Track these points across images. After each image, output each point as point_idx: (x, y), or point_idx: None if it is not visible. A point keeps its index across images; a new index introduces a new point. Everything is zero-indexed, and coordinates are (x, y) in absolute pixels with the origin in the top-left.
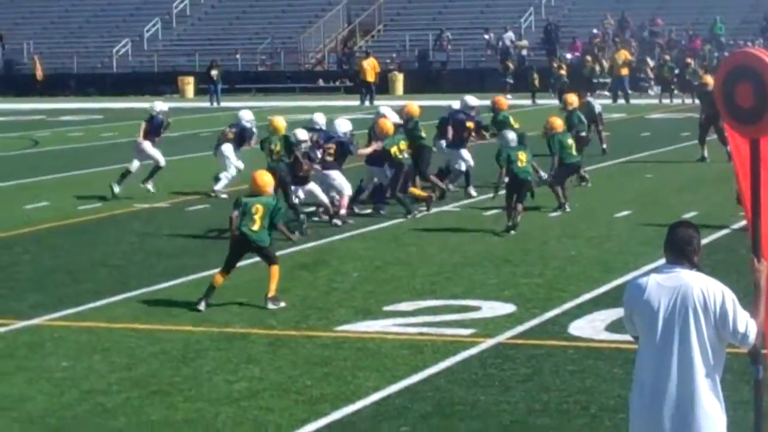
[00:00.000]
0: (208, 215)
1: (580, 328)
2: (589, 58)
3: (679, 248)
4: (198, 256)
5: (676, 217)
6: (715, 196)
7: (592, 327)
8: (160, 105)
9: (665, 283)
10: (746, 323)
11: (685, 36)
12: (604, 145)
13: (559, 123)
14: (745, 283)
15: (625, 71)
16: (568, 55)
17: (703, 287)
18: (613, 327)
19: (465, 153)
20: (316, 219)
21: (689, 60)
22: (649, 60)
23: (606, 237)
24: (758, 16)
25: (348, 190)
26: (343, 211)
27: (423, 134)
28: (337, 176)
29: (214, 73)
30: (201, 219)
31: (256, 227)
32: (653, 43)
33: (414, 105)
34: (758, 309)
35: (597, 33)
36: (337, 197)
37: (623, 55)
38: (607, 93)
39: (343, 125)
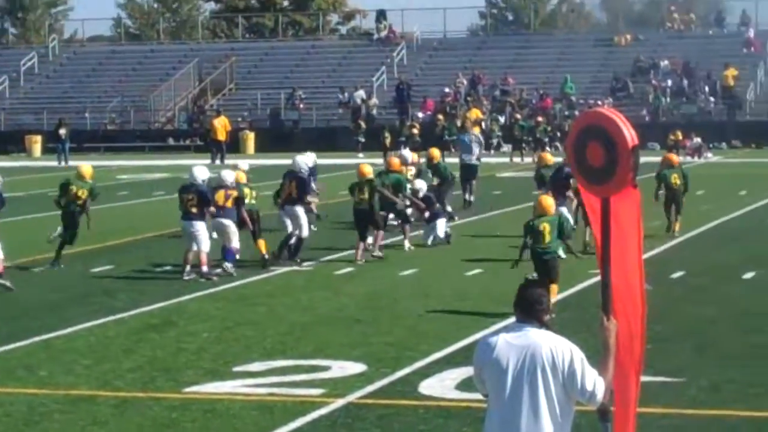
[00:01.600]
0: (52, 276)
1: (430, 387)
2: (440, 116)
3: (529, 307)
4: (41, 318)
5: (527, 275)
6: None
7: (442, 386)
8: None
9: (514, 341)
10: (594, 382)
11: (535, 95)
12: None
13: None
14: (594, 341)
15: (476, 130)
16: (420, 114)
17: (552, 346)
18: (464, 386)
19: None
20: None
21: (540, 119)
22: (500, 118)
23: (457, 295)
24: (607, 75)
25: (206, 245)
26: (204, 268)
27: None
28: (200, 228)
29: (62, 131)
30: (45, 280)
31: None
32: (504, 101)
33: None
34: (606, 367)
35: (449, 92)
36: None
37: (474, 113)
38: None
39: (201, 173)
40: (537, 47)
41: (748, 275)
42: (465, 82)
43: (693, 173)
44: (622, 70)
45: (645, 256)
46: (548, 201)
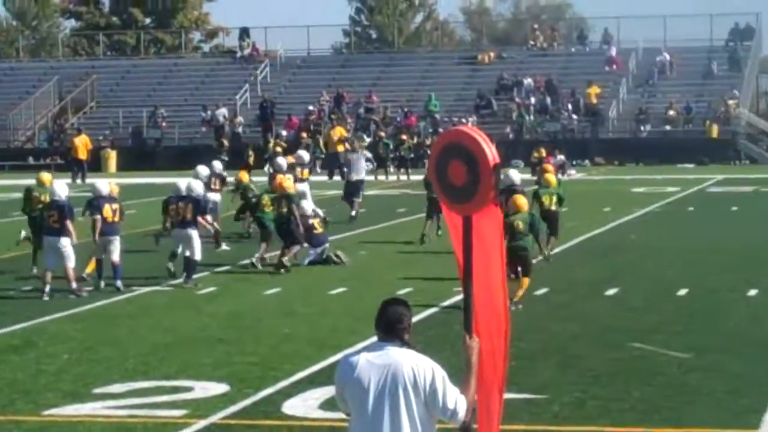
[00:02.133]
0: None
1: (293, 406)
2: (305, 134)
3: (390, 326)
4: None
5: (391, 293)
6: (431, 271)
7: (305, 405)
8: None
9: (376, 360)
10: (456, 400)
11: (400, 113)
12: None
13: None
14: (458, 359)
15: (340, 148)
16: (284, 132)
17: (414, 365)
18: (327, 405)
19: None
20: None
21: (404, 136)
22: (365, 137)
23: (321, 314)
24: (471, 93)
25: (72, 261)
26: (74, 284)
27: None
28: (66, 243)
29: None
30: None
31: None
32: (369, 119)
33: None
34: (469, 385)
35: (313, 110)
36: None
37: (338, 131)
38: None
39: (62, 189)
40: (401, 65)
41: (611, 291)
42: (329, 99)
43: None
44: (486, 87)
45: None
46: (522, 200)
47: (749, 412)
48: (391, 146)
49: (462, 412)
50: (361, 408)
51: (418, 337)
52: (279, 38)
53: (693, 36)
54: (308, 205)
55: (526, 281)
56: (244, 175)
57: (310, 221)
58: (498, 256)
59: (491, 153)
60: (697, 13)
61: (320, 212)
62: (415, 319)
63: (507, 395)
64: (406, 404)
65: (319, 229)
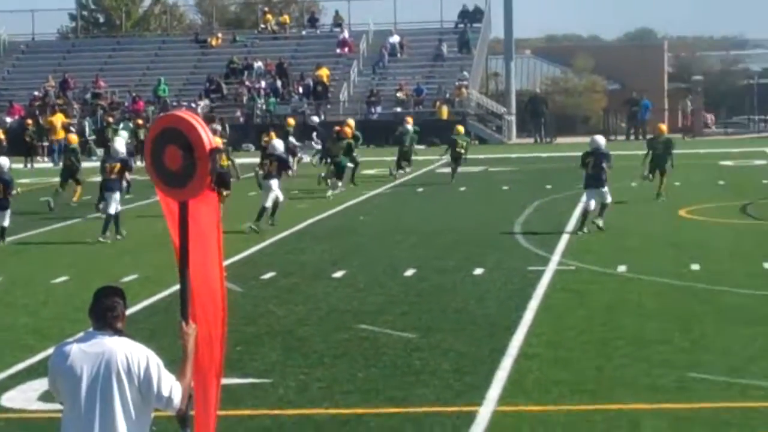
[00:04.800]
0: None
1: (12, 398)
2: (29, 121)
3: (103, 315)
4: None
5: (116, 281)
6: (158, 258)
7: (25, 397)
8: None
9: (89, 349)
10: (171, 387)
11: (128, 97)
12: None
13: None
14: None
15: (62, 135)
16: (8, 119)
17: (128, 353)
18: (47, 397)
19: None
20: None
21: (140, 121)
22: (88, 122)
23: (42, 304)
24: (201, 77)
25: None
26: None
27: None
28: None
29: None
30: None
31: None
32: (96, 105)
33: None
34: (185, 372)
35: (38, 95)
36: None
37: (60, 118)
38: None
39: None
40: (129, 49)
41: (338, 274)
42: (54, 85)
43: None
44: (216, 71)
45: (237, 257)
46: None
47: (473, 389)
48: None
49: (177, 400)
50: (74, 397)
51: (142, 324)
52: (2, 22)
53: (423, 18)
54: None
55: None
56: None
57: None
58: (215, 242)
59: (207, 138)
60: None
61: None
62: (139, 307)
63: (231, 380)
64: (119, 393)
65: None
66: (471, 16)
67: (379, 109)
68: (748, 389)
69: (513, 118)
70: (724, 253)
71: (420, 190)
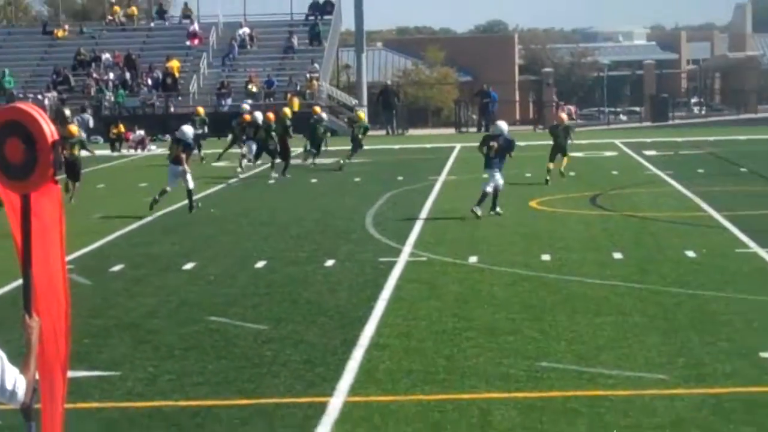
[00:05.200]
0: None
1: None
2: None
3: None
4: None
5: None
6: (1, 251)
7: None
8: None
9: None
10: (15, 380)
11: None
12: None
13: None
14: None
15: None
16: None
17: None
18: None
19: None
20: None
21: None
22: None
23: None
24: (48, 69)
25: None
26: None
27: None
28: None
29: None
30: None
31: None
32: None
33: None
34: (29, 365)
35: None
36: None
37: None
38: None
39: None
40: None
41: (189, 265)
42: None
43: (134, 165)
44: (63, 63)
45: (85, 250)
46: None
47: (324, 380)
48: None
49: (21, 393)
50: None
51: None
52: None
53: (274, 10)
54: None
55: None
56: None
57: None
58: (57, 235)
59: (49, 130)
60: None
61: None
62: None
63: (79, 373)
64: None
65: None
66: (322, 9)
67: (229, 101)
68: (596, 378)
69: (365, 110)
70: (574, 243)
71: (271, 182)
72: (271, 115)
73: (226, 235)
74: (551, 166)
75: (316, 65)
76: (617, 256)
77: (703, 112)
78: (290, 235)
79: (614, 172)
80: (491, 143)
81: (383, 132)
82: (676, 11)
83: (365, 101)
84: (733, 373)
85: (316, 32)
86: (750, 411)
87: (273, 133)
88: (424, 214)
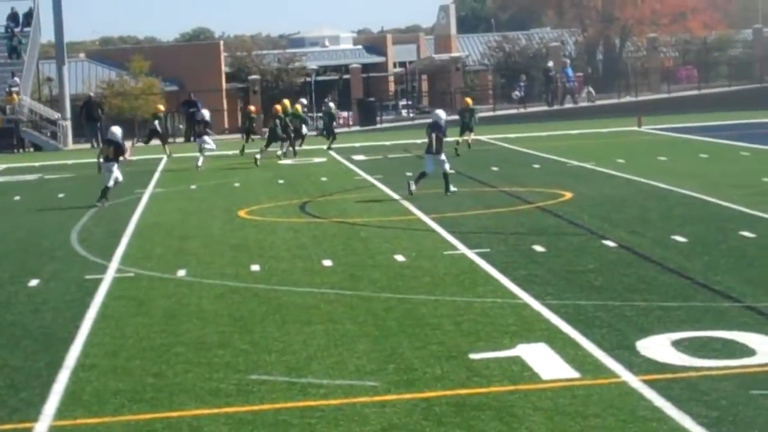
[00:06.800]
0: None
1: None
2: None
3: None
4: None
5: None
6: None
7: None
8: None
9: None
10: None
11: None
12: None
13: None
14: None
15: None
16: None
17: None
18: None
19: None
20: None
21: None
22: None
23: None
24: None
25: None
26: None
27: None
28: None
29: None
30: None
31: None
32: None
33: None
34: None
35: None
36: None
37: None
38: None
39: None
40: None
41: None
42: None
43: None
44: None
45: None
46: None
47: (29, 405)
48: None
49: None
50: None
51: None
52: None
53: None
54: None
55: None
56: None
57: None
58: None
59: None
60: None
61: None
62: None
63: None
64: None
65: None
66: (22, 20)
67: None
68: (307, 388)
69: (69, 124)
70: (284, 252)
71: None
72: None
73: None
74: (461, 140)
75: (16, 79)
76: (327, 263)
77: (411, 115)
78: None
79: (323, 179)
80: (431, 132)
81: (88, 145)
82: (383, 14)
83: (69, 114)
84: (443, 376)
85: (15, 45)
86: (460, 413)
87: None
88: (131, 228)
